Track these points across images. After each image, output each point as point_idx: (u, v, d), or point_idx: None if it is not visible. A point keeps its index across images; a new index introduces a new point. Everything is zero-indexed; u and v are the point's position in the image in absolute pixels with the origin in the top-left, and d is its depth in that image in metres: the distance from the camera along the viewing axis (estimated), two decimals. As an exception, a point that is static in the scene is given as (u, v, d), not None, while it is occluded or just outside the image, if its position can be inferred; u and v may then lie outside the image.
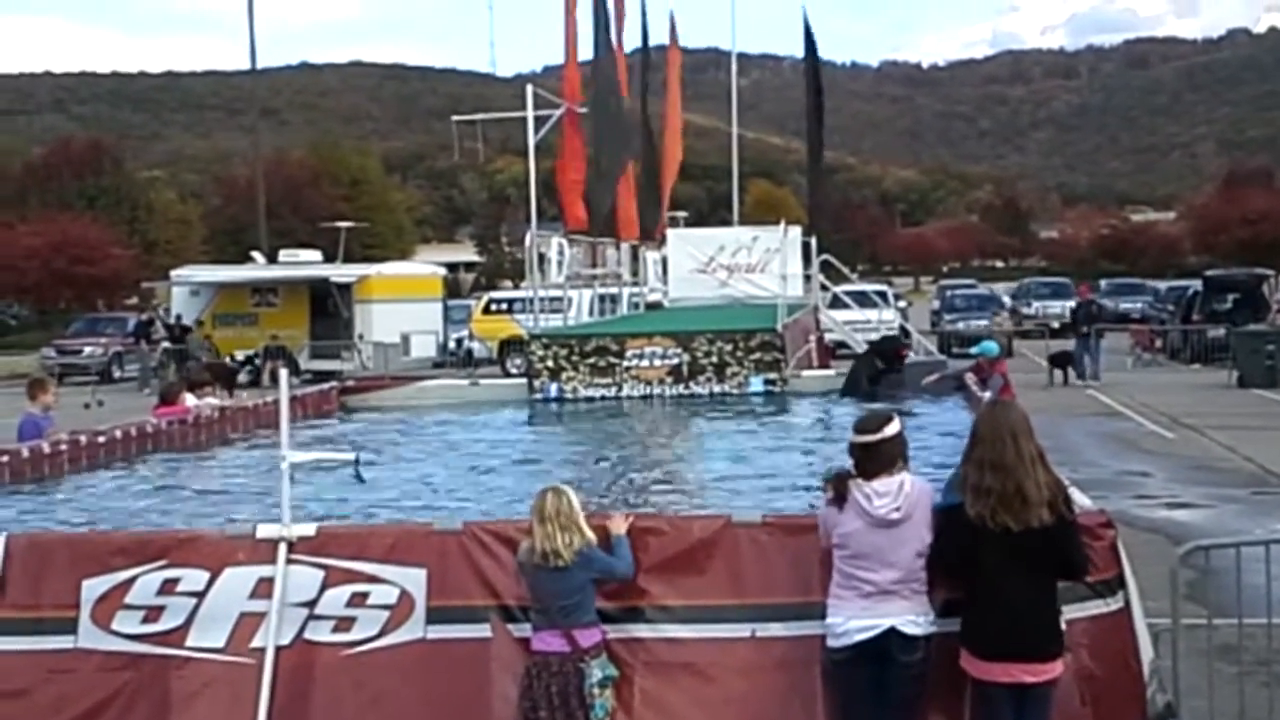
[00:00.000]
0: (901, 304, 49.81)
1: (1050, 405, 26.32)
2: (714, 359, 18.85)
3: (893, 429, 7.17)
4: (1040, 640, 6.92)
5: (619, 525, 7.40)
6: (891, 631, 6.93)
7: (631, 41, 29.63)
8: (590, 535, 7.21)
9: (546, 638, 7.14)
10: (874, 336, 27.53)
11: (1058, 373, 33.82)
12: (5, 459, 11.77)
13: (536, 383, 19.25)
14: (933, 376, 18.71)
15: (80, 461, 12.68)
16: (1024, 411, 7.24)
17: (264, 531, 7.58)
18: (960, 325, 46.01)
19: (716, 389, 18.76)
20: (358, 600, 7.45)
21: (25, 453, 12.08)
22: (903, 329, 33.65)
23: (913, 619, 6.97)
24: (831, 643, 7.07)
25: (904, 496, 6.98)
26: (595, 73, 23.03)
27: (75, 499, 11.39)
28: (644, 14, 30.26)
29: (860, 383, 18.62)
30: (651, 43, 31.47)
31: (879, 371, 18.68)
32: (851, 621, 6.98)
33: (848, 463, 7.22)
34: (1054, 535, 6.88)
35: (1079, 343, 34.89)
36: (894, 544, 6.95)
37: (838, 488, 7.09)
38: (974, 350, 19.28)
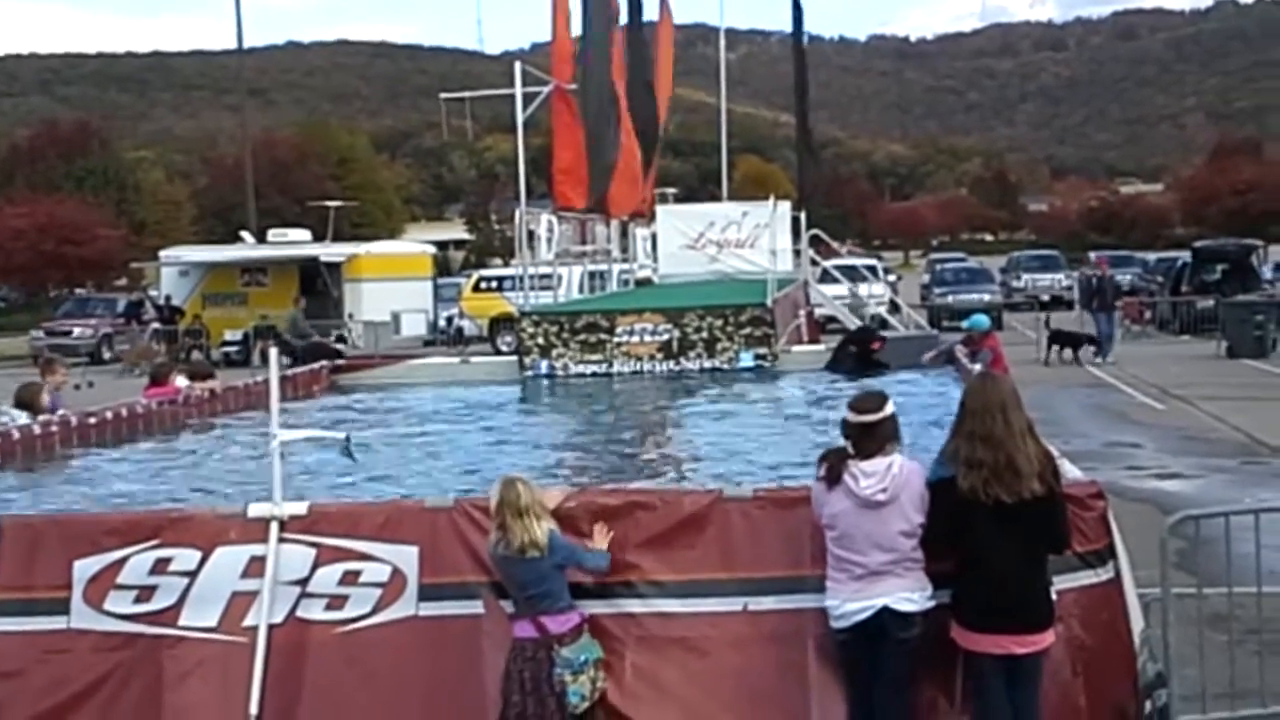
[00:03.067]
0: (891, 278, 49.83)
1: (1041, 378, 26.40)
2: (704, 334, 18.85)
3: (890, 409, 7.18)
4: (1030, 611, 6.96)
5: (601, 537, 7.34)
6: (885, 610, 6.95)
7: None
8: (552, 520, 7.21)
9: (523, 624, 7.17)
10: (863, 311, 27.65)
11: (1065, 352, 32.46)
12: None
13: (527, 360, 19.23)
14: (931, 352, 18.68)
15: (71, 442, 12.68)
16: (1012, 384, 7.26)
17: (255, 510, 7.58)
18: (950, 299, 45.98)
19: (707, 364, 18.76)
20: (350, 578, 7.45)
21: (15, 434, 12.07)
22: (892, 303, 33.70)
23: (906, 596, 6.98)
24: (833, 624, 7.11)
25: (891, 478, 6.98)
26: (585, 48, 22.80)
27: (66, 480, 11.38)
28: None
29: (844, 362, 18.59)
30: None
31: (856, 362, 18.60)
32: (848, 604, 7.01)
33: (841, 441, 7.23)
34: (1044, 507, 6.91)
35: (1099, 318, 33.58)
36: (880, 525, 6.96)
37: (834, 465, 7.09)
38: (964, 324, 19.29)
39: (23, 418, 12.55)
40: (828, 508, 7.08)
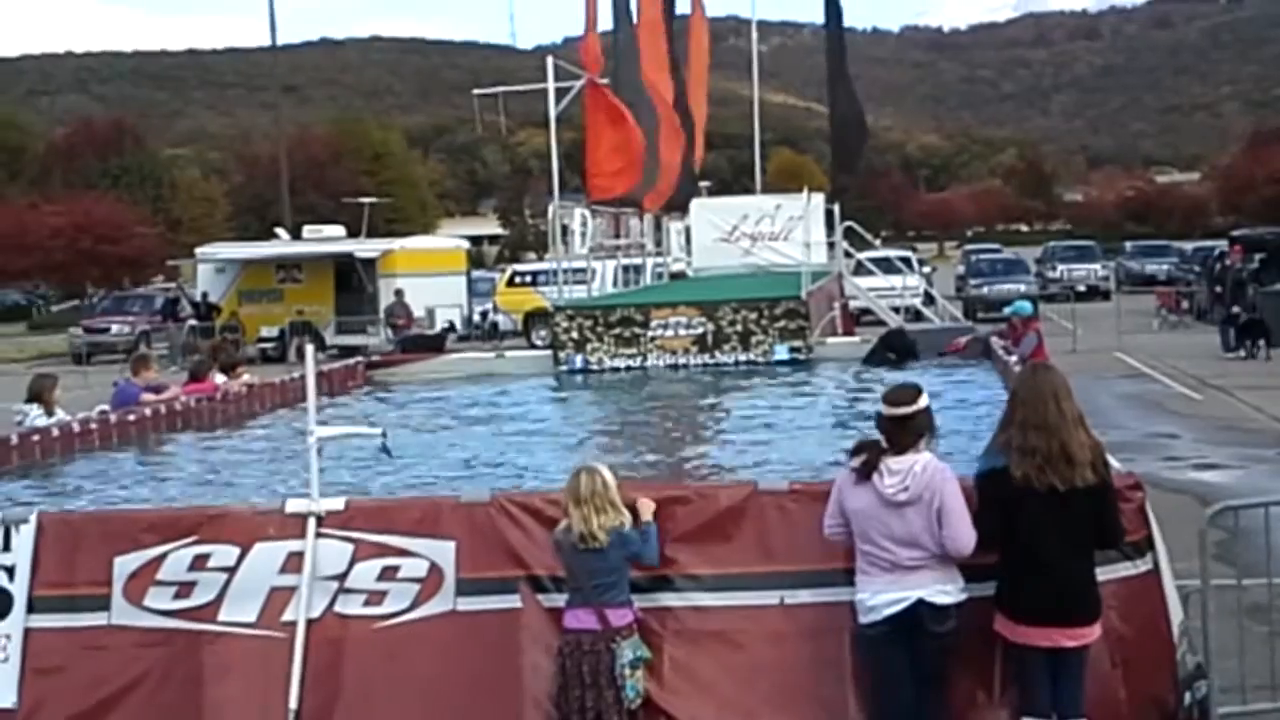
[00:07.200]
0: (925, 269, 49.62)
1: (1075, 367, 26.15)
2: (739, 328, 18.85)
3: (924, 402, 7.14)
4: (1080, 604, 6.92)
5: (646, 511, 7.36)
6: (921, 603, 6.91)
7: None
8: (625, 515, 7.21)
9: (580, 615, 7.15)
10: (898, 303, 27.56)
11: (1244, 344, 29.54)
12: (37, 438, 11.89)
13: (562, 354, 19.28)
14: (963, 339, 18.60)
15: (110, 439, 12.77)
16: (1063, 374, 7.24)
17: (293, 506, 7.61)
18: (985, 290, 45.77)
19: (741, 358, 18.76)
20: (388, 574, 7.48)
21: (56, 431, 12.17)
22: (927, 295, 33.58)
23: (941, 589, 6.94)
24: (862, 618, 7.05)
25: (913, 477, 6.92)
26: (614, 45, 22.82)
27: (107, 476, 11.46)
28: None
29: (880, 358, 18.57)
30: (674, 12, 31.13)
31: (890, 362, 18.51)
32: (880, 595, 6.95)
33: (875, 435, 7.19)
34: (1097, 497, 6.89)
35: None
36: (903, 523, 6.91)
37: (870, 459, 7.03)
38: (1007, 310, 19.11)
39: (36, 411, 12.61)
40: (850, 501, 7.04)
